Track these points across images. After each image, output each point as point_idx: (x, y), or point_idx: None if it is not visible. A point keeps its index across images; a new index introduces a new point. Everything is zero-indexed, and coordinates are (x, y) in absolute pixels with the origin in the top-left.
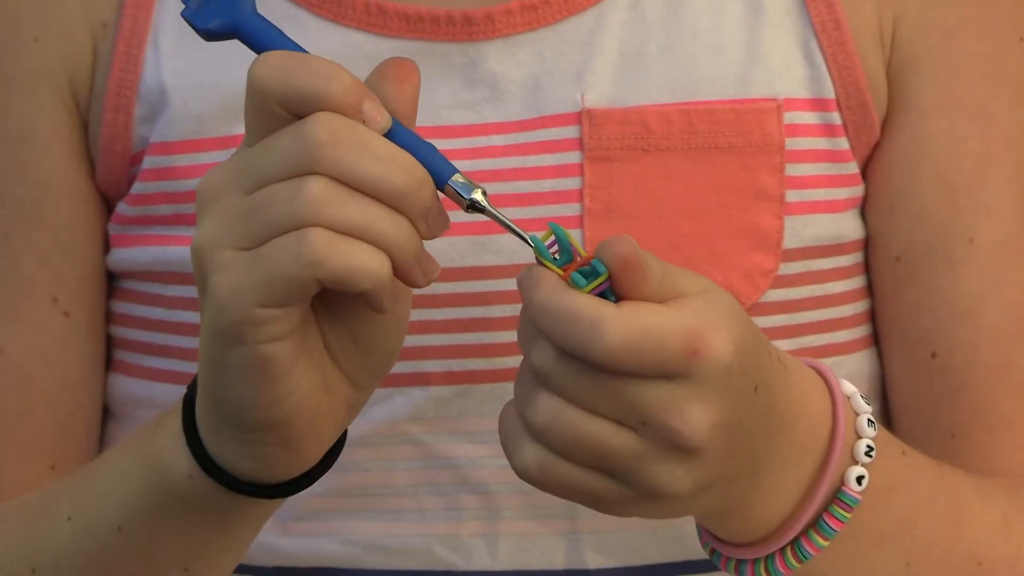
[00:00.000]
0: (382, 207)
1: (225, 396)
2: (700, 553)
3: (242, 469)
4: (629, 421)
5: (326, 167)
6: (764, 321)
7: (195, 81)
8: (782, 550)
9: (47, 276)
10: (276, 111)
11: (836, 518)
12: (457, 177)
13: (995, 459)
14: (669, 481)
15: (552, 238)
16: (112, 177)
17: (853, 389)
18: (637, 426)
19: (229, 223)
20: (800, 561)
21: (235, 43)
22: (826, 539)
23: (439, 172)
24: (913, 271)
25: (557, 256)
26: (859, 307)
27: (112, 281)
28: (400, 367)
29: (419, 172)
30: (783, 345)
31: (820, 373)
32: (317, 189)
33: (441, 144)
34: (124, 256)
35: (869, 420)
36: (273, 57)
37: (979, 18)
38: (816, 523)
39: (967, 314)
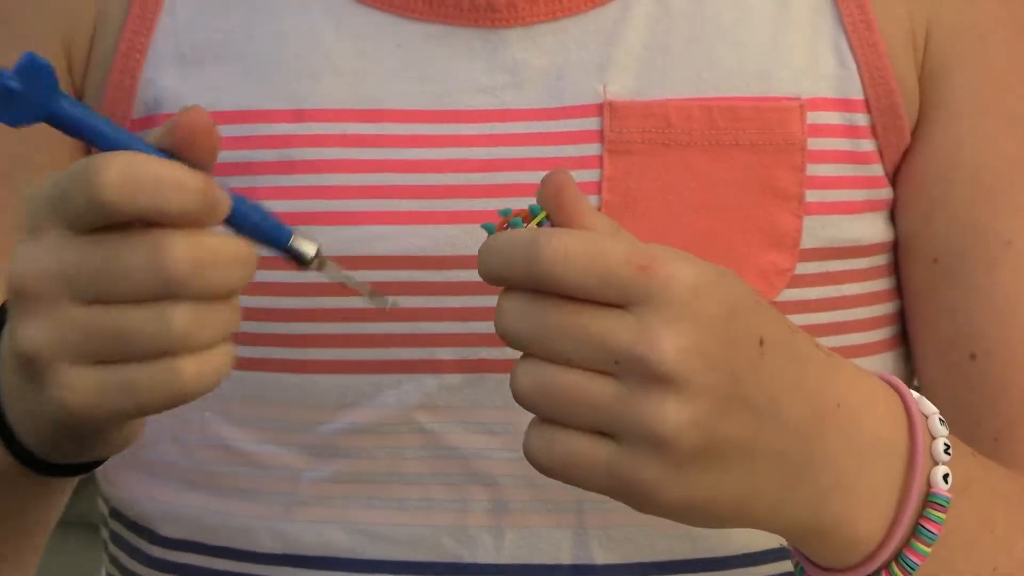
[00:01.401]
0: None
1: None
2: (708, 551)
3: (32, 445)
4: (604, 365)
5: (189, 293)
6: None
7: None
8: (887, 566)
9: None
10: (116, 217)
11: (933, 521)
12: (295, 241)
13: None
14: (661, 418)
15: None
16: None
17: (918, 395)
18: (613, 368)
19: (68, 335)
20: (907, 573)
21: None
22: (928, 545)
23: (277, 237)
24: (950, 274)
25: None
26: (878, 310)
27: None
28: (411, 353)
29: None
30: None
31: (882, 378)
32: (183, 319)
33: (459, 129)
34: None
35: (940, 419)
36: (117, 167)
37: (1012, 19)
38: (915, 530)
39: (1006, 315)
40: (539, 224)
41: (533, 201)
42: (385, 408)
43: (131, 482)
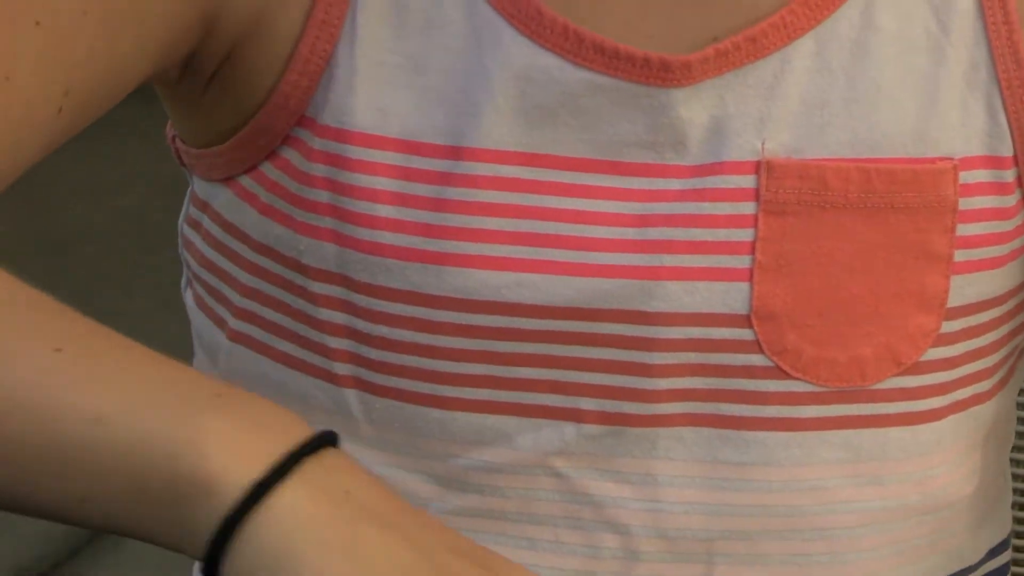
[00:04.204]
0: None
1: None
2: None
3: None
4: None
5: None
6: (922, 380)
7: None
8: None
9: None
10: None
11: None
12: None
13: None
14: None
15: None
16: (268, 134)
17: None
18: None
19: None
20: None
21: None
22: None
23: None
24: None
25: None
26: (1003, 353)
27: (250, 254)
28: (553, 400)
29: None
30: (934, 403)
31: None
32: None
33: (618, 182)
34: (274, 232)
35: None
36: None
37: None
38: None
39: None
40: None
41: (692, 257)
42: (521, 451)
43: None
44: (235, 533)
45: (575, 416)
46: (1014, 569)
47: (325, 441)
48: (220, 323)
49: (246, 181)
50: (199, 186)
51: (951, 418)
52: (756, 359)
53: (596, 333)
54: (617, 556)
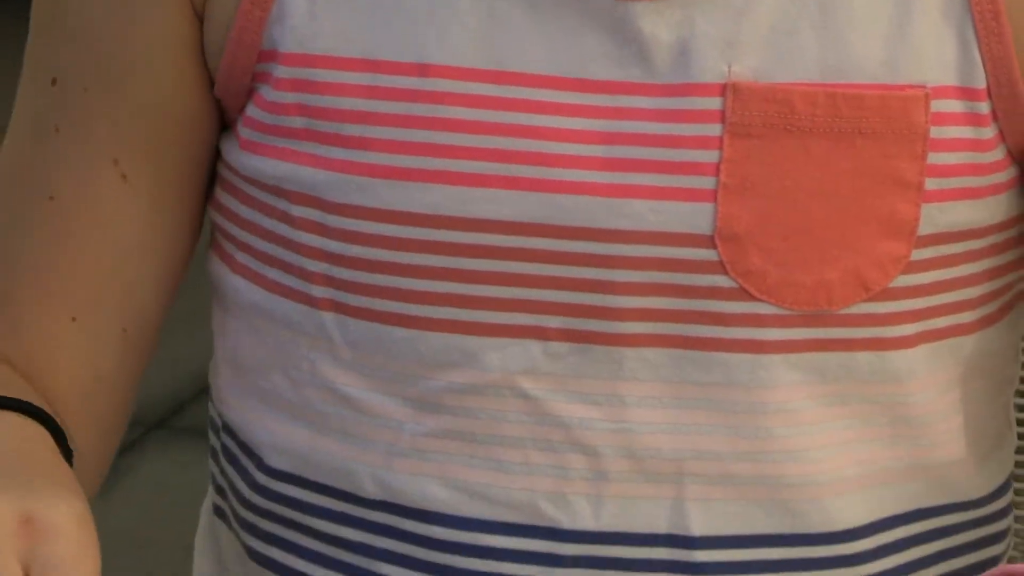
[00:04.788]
0: None
1: None
2: (807, 527)
3: None
4: None
5: None
6: (892, 306)
7: None
8: None
9: (113, 137)
10: None
11: None
12: None
13: None
14: None
15: None
16: (234, 74)
17: None
18: None
19: None
20: None
21: None
22: None
23: None
24: None
25: None
26: (986, 288)
27: (244, 186)
28: (518, 318)
29: None
30: (905, 330)
31: None
32: None
33: (584, 99)
34: (253, 164)
35: None
36: None
37: None
38: None
39: None
40: None
41: (658, 176)
42: (489, 371)
43: (242, 405)
44: None
45: (541, 334)
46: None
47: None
48: (228, 259)
49: (239, 124)
50: (221, 140)
51: (925, 347)
52: (720, 280)
53: (561, 251)
54: (586, 477)
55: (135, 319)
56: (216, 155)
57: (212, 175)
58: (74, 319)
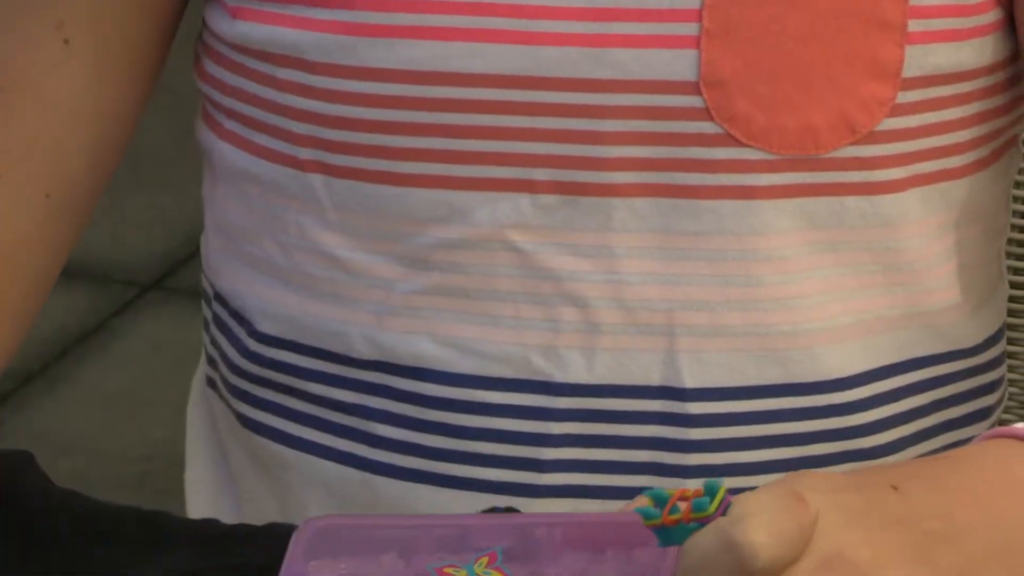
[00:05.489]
0: None
1: None
2: (799, 376)
3: None
4: None
5: None
6: (879, 149)
7: None
8: None
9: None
10: None
11: None
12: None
13: None
14: None
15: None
16: None
17: None
18: None
19: None
20: None
21: None
22: None
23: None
24: None
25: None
26: (975, 132)
27: (230, 53)
28: (506, 172)
29: None
30: (893, 173)
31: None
32: None
33: None
34: (238, 29)
35: None
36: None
37: None
38: None
39: None
40: (721, 501)
41: (639, 25)
42: (479, 226)
43: (233, 273)
44: None
45: (529, 187)
46: None
47: None
48: (216, 127)
49: None
50: (205, 10)
51: (915, 191)
52: (706, 126)
53: (546, 102)
54: (578, 329)
55: (61, 185)
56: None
57: (170, 46)
58: (48, 195)
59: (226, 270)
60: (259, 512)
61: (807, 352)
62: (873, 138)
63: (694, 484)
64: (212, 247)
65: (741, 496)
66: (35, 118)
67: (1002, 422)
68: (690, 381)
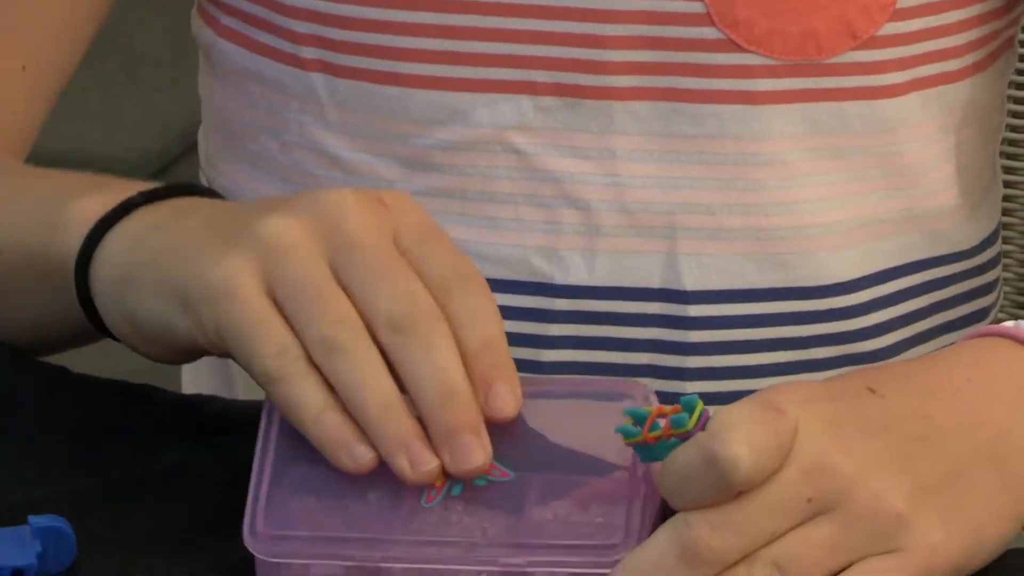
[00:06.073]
0: None
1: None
2: (800, 280)
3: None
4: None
5: None
6: (880, 54)
7: None
8: None
9: None
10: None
11: None
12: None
13: None
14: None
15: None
16: None
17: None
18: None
19: None
20: None
21: None
22: None
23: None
24: None
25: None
26: (973, 34)
27: None
28: (507, 74)
29: None
30: (893, 78)
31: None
32: None
33: None
34: None
35: None
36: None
37: None
38: None
39: None
40: (699, 416)
41: None
42: (479, 127)
43: (233, 170)
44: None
45: (530, 89)
46: None
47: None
48: (213, 22)
49: None
50: None
51: (915, 95)
52: (708, 32)
53: (548, 5)
54: (579, 231)
55: (33, 57)
56: None
57: None
58: None
59: (225, 167)
60: None
61: (808, 256)
62: (874, 43)
63: (693, 387)
64: (211, 143)
65: (720, 410)
66: None
67: (996, 322)
68: (690, 284)
